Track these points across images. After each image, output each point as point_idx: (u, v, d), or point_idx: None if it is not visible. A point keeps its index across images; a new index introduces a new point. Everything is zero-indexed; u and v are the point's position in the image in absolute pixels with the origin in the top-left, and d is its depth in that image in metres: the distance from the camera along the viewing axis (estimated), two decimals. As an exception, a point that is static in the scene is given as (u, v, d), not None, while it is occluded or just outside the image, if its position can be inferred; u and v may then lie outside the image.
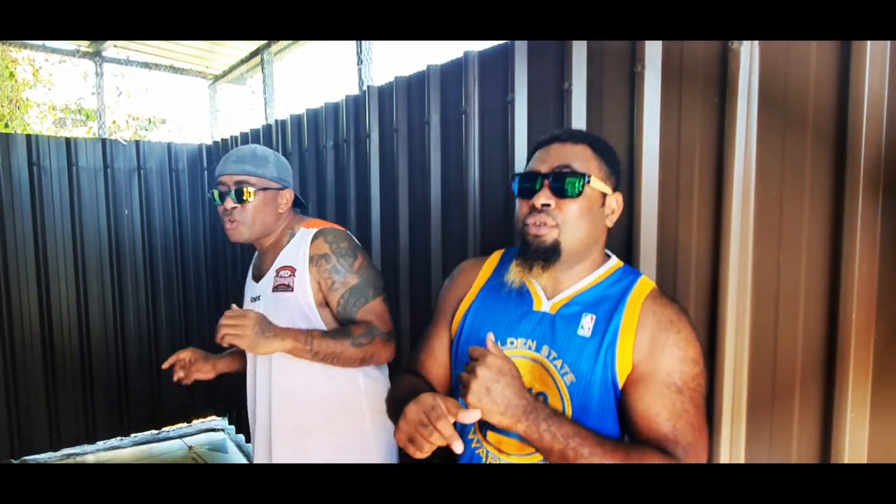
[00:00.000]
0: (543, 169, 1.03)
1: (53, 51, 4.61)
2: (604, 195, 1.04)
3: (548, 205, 1.01)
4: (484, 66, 1.75)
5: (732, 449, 1.16)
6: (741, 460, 1.16)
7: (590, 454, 0.88)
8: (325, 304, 1.53)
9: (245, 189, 1.53)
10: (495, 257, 1.21)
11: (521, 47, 1.60)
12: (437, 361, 1.19)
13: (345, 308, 1.50)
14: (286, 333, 1.39)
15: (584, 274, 1.07)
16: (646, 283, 1.06)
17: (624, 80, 1.33)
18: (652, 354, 0.98)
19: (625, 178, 1.31)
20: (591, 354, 1.00)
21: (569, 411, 1.01)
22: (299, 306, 1.51)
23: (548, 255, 1.01)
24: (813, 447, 1.06)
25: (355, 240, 1.60)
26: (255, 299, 1.63)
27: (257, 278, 1.66)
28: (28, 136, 3.47)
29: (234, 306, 1.39)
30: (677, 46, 1.23)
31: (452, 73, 1.86)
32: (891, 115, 0.95)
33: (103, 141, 3.68)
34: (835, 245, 1.01)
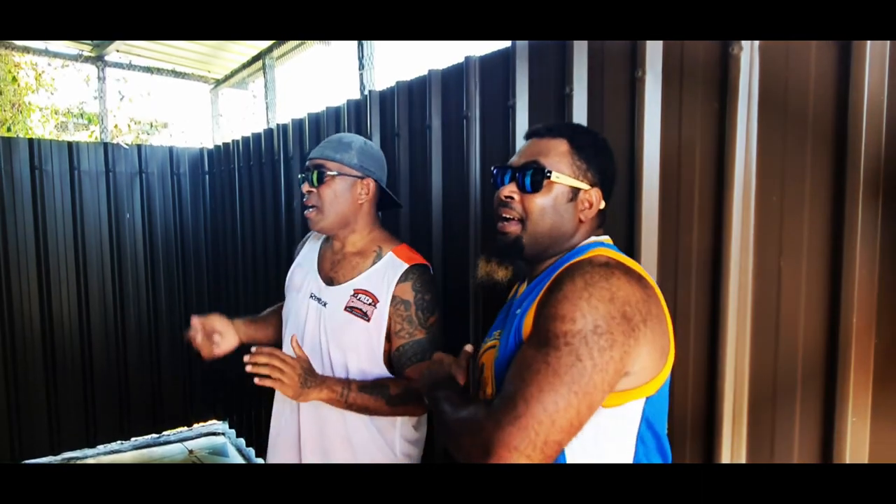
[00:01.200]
0: (515, 162, 1.06)
1: (56, 55, 4.63)
2: (574, 190, 1.03)
3: (511, 197, 1.04)
4: (485, 70, 1.75)
5: (734, 452, 1.16)
6: (742, 462, 1.16)
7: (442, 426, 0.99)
8: (389, 338, 1.50)
9: (321, 173, 1.49)
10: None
11: (522, 52, 1.60)
12: None
13: (399, 358, 1.47)
14: (324, 384, 1.37)
15: (552, 262, 1.06)
16: (590, 254, 0.98)
17: (624, 85, 1.33)
18: (535, 315, 0.93)
19: (626, 182, 1.32)
20: (509, 325, 1.02)
21: (491, 383, 1.04)
22: (369, 338, 1.48)
23: (508, 250, 1.05)
24: (814, 452, 1.06)
25: (437, 287, 1.55)
26: (319, 301, 1.54)
27: (328, 280, 1.57)
28: (30, 140, 3.49)
29: (275, 351, 1.32)
30: (677, 51, 1.23)
31: (454, 78, 1.87)
32: (891, 116, 0.95)
33: (105, 145, 3.70)
34: (835, 249, 1.02)
